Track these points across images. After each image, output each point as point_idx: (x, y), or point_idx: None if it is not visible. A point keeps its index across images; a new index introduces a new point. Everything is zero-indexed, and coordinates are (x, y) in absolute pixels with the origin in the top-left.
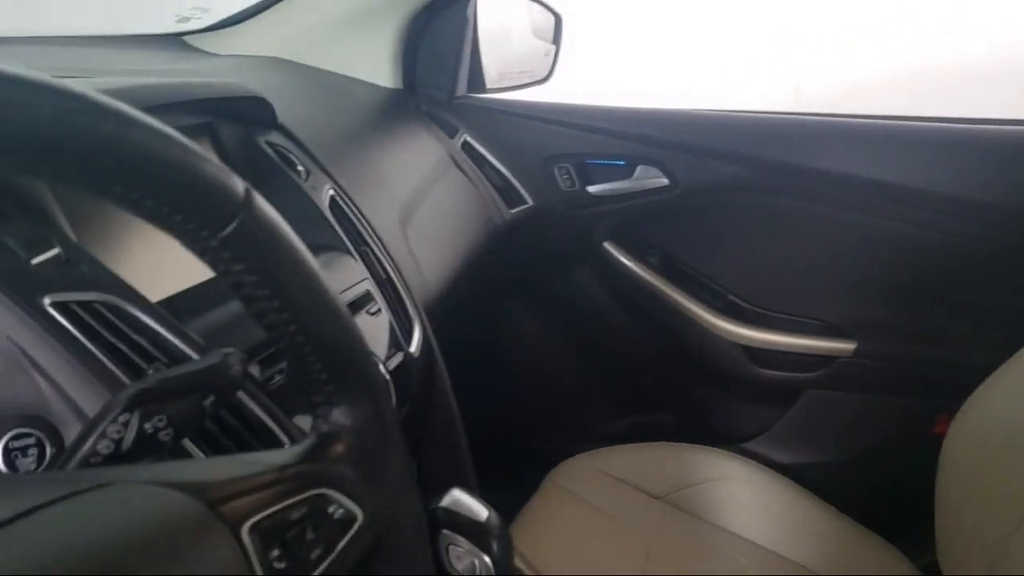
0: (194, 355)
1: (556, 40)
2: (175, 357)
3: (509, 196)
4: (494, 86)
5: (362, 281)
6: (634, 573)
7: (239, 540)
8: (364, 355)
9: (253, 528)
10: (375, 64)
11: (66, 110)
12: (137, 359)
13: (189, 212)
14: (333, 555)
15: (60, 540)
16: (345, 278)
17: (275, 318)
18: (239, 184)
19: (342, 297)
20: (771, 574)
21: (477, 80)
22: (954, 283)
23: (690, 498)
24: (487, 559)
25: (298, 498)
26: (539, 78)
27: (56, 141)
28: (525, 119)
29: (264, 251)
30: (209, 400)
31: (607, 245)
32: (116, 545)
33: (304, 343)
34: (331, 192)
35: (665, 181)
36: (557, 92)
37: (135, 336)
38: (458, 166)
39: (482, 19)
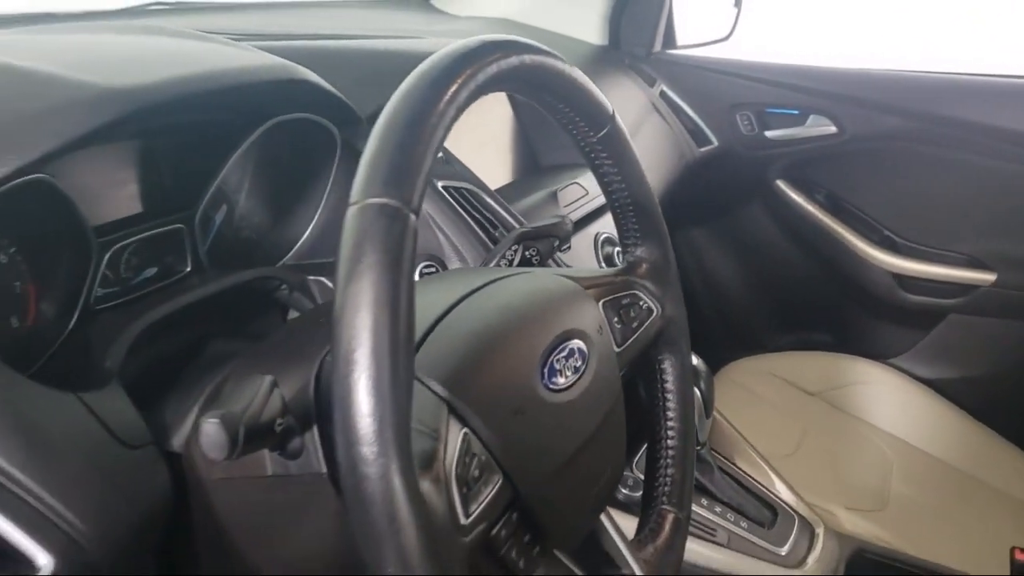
0: (517, 224)
1: (737, 4)
2: (507, 225)
3: (698, 137)
4: (684, 44)
5: None
6: (790, 451)
7: (598, 307)
8: (660, 217)
9: (604, 304)
10: (587, 24)
11: (519, 57)
12: (487, 224)
13: (582, 116)
14: (641, 329)
15: (513, 292)
16: None
17: (616, 187)
18: (608, 104)
19: None
20: (910, 461)
21: (670, 38)
22: None
23: (841, 397)
24: (697, 392)
25: (624, 292)
26: (722, 37)
27: (518, 73)
28: (712, 72)
29: (618, 147)
30: (556, 243)
31: (779, 183)
32: (538, 294)
33: (629, 204)
34: None
35: (833, 129)
36: (737, 49)
37: (485, 211)
38: (657, 111)
39: None
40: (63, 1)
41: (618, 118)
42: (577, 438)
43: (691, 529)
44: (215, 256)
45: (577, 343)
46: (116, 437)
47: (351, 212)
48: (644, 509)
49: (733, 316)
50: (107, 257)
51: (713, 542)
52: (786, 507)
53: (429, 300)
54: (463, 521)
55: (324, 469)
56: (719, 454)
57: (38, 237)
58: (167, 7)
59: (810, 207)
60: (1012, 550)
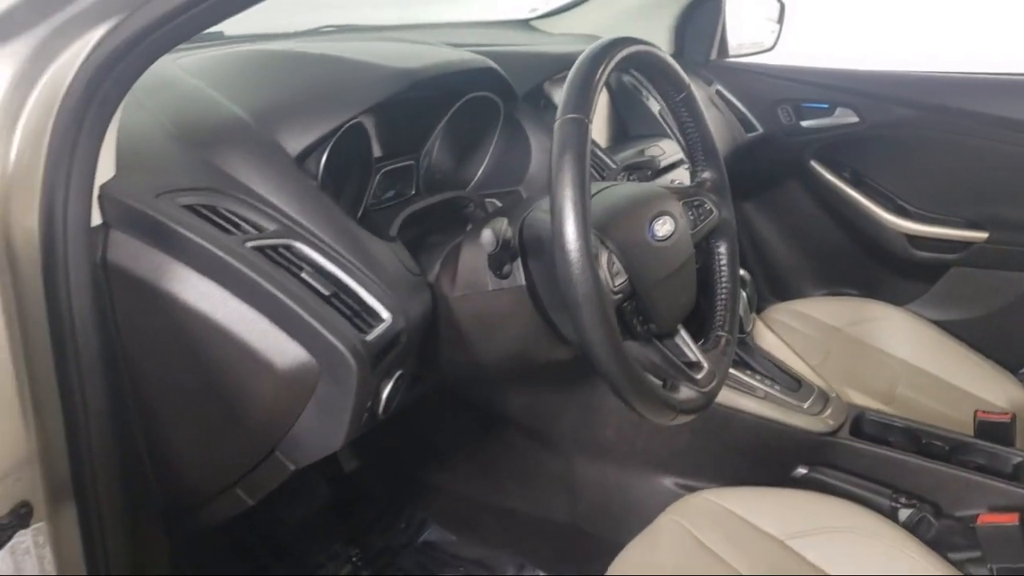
0: (614, 166)
1: (780, 20)
2: (609, 167)
3: (746, 125)
4: (735, 53)
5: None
6: (816, 363)
7: (679, 204)
8: (718, 153)
9: (683, 203)
10: (657, 37)
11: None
12: (598, 164)
13: (671, 84)
14: (704, 222)
15: (633, 186)
16: None
17: (691, 131)
18: (686, 77)
19: None
20: (914, 375)
21: (724, 48)
22: None
23: (860, 331)
24: (743, 295)
25: (695, 197)
26: (766, 48)
27: (638, 55)
28: (758, 74)
29: (692, 105)
30: (648, 173)
31: (812, 163)
32: (646, 188)
33: (699, 142)
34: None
35: (856, 119)
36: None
37: (594, 158)
38: (714, 104)
39: (728, 5)
40: (262, 23)
41: (693, 87)
42: (667, 269)
43: (736, 386)
44: (426, 183)
45: (668, 217)
46: (405, 266)
47: (558, 124)
48: (707, 333)
49: (773, 270)
50: (376, 178)
51: (753, 396)
52: (809, 381)
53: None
54: (614, 289)
55: (524, 283)
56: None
57: (346, 160)
58: (335, 29)
59: (837, 182)
60: (975, 412)
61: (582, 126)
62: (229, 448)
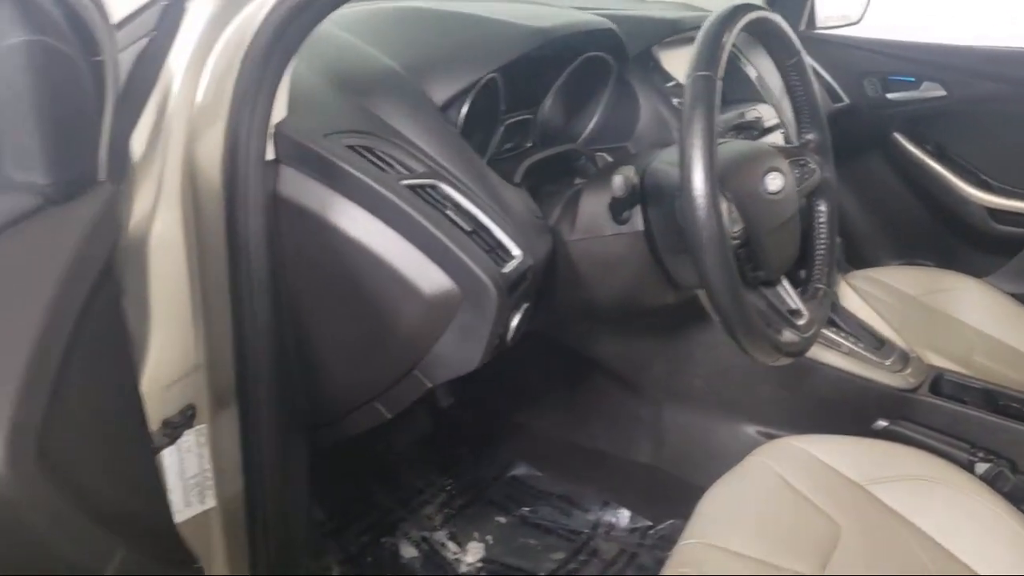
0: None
1: None
2: None
3: (833, 96)
4: (823, 25)
5: None
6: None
7: (786, 161)
8: (823, 116)
9: (788, 161)
10: None
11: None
12: None
13: (784, 49)
14: (807, 180)
15: (747, 143)
16: None
17: (799, 94)
18: (799, 43)
19: None
20: (991, 346)
21: (812, 20)
22: None
23: (937, 300)
24: None
25: (799, 157)
26: (853, 21)
27: (758, 20)
28: (846, 46)
29: (802, 70)
30: (755, 133)
31: (896, 135)
32: (758, 145)
33: (805, 105)
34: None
35: (943, 92)
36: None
37: None
38: None
39: None
40: None
41: (804, 53)
42: (777, 220)
43: (821, 341)
44: (542, 136)
45: (779, 173)
46: (530, 210)
47: (690, 80)
48: (805, 285)
49: (852, 238)
50: (501, 129)
51: (837, 351)
52: (891, 341)
53: None
54: (732, 235)
55: (641, 228)
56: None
57: (477, 112)
58: None
59: (921, 155)
60: None
61: (711, 82)
62: (373, 366)
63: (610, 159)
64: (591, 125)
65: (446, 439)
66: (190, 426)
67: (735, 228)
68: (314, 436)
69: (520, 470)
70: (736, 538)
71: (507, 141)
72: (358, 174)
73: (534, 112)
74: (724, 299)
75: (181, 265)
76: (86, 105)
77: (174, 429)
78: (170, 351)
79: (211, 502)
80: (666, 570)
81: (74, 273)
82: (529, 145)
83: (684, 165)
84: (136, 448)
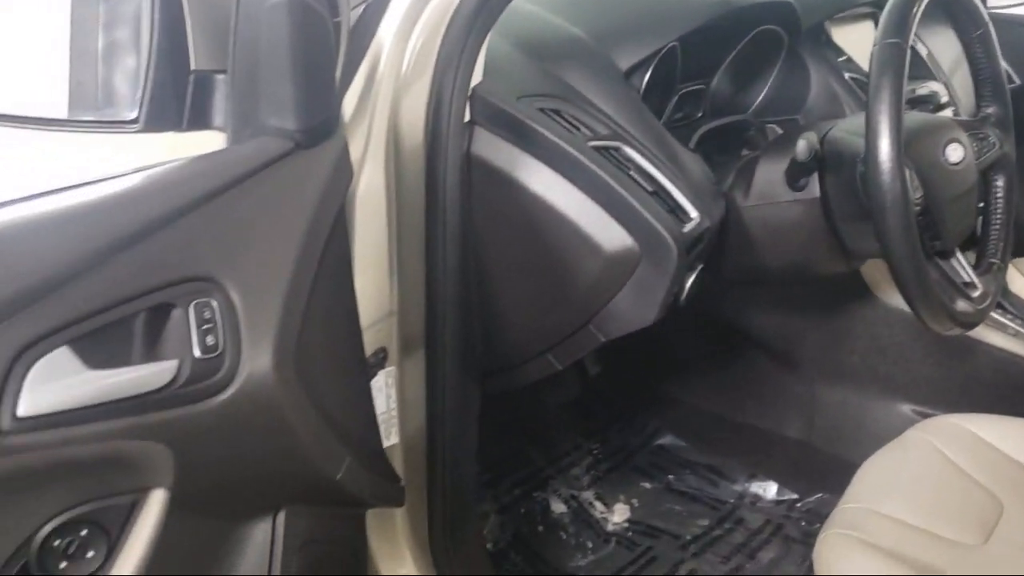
0: None
1: None
2: None
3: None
4: (994, 4)
5: None
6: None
7: (965, 135)
8: (1006, 91)
9: (967, 135)
10: None
11: None
12: None
13: (971, 19)
14: (986, 153)
15: (927, 115)
16: None
17: (983, 68)
18: (985, 15)
19: None
20: None
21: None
22: None
23: None
24: None
25: (979, 131)
26: None
27: None
28: (1020, 26)
29: (987, 42)
30: (931, 108)
31: None
32: (937, 117)
33: (989, 79)
34: None
35: None
36: None
37: None
38: None
39: None
40: None
41: (991, 25)
42: (957, 191)
43: (988, 323)
44: (713, 107)
45: (959, 144)
46: (706, 176)
47: (879, 47)
48: (978, 259)
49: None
50: (675, 99)
51: (1003, 332)
52: None
53: None
54: (914, 202)
55: (818, 195)
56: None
57: (655, 80)
58: None
59: None
60: None
61: (900, 50)
62: (550, 318)
63: (780, 131)
64: (761, 97)
65: (593, 406)
66: (382, 367)
67: (916, 195)
68: (487, 384)
69: (666, 439)
70: (896, 505)
71: (679, 111)
72: (548, 134)
73: (707, 83)
74: (904, 263)
75: (382, 217)
76: (330, 61)
77: (369, 369)
78: (368, 297)
79: (395, 439)
80: (825, 531)
81: (320, 210)
82: (700, 115)
83: (871, 129)
84: (357, 373)
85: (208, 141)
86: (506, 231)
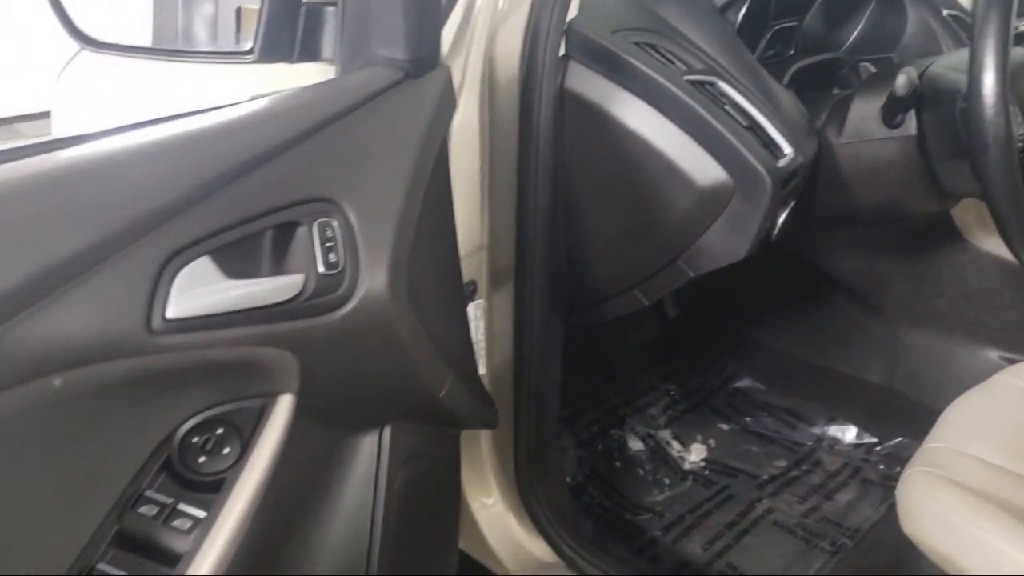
0: None
1: None
2: None
3: None
4: None
5: None
6: None
7: None
8: None
9: None
10: None
11: None
12: None
13: None
14: None
15: None
16: None
17: None
18: None
19: None
20: None
21: None
22: None
23: None
24: None
25: None
26: None
27: None
28: None
29: None
30: None
31: None
32: None
33: None
34: None
35: None
36: None
37: None
38: None
39: None
40: None
41: None
42: None
43: None
44: (805, 44)
45: None
46: (800, 111)
47: None
48: None
49: None
50: (768, 36)
51: None
52: None
53: None
54: (1017, 139)
55: (914, 132)
56: None
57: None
58: None
59: None
60: None
61: None
62: (638, 253)
63: (873, 70)
64: (855, 35)
65: (671, 349)
66: (472, 299)
67: (1020, 132)
68: (573, 319)
69: (744, 382)
70: (982, 446)
71: (771, 48)
72: (643, 68)
73: (800, 20)
74: (1004, 201)
75: (475, 150)
76: None
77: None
78: (460, 230)
79: (482, 370)
80: (908, 468)
81: (428, 138)
82: (791, 53)
83: (975, 63)
84: (457, 299)
85: (318, 72)
86: (598, 165)
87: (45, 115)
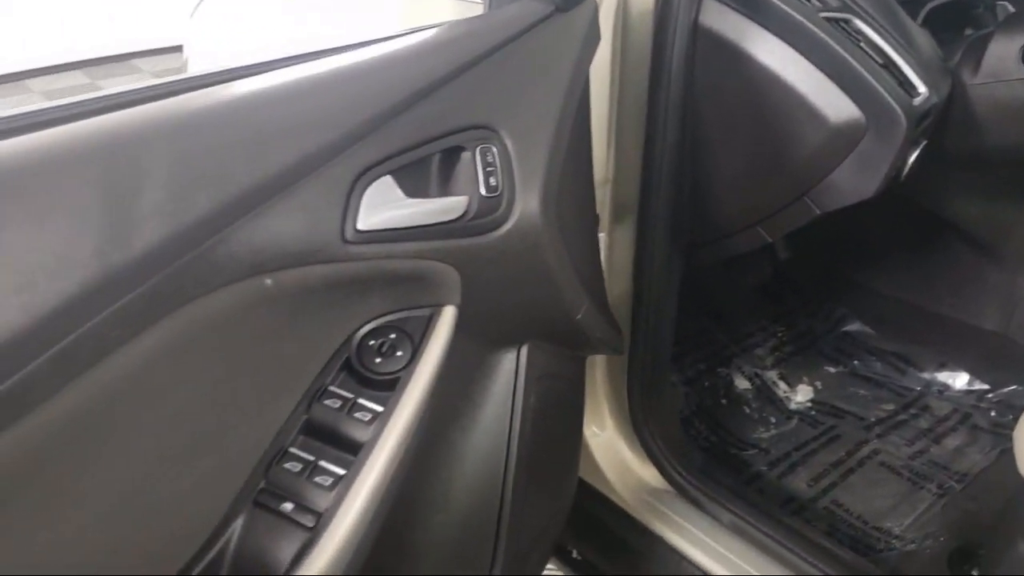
0: None
1: None
2: None
3: None
4: None
5: None
6: None
7: None
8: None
9: None
10: None
11: None
12: None
13: None
14: None
15: None
16: None
17: None
18: None
19: None
20: None
21: None
22: None
23: None
24: None
25: None
26: None
27: None
28: None
29: None
30: None
31: None
32: None
33: None
34: None
35: None
36: None
37: None
38: None
39: None
40: None
41: None
42: None
43: None
44: None
45: None
46: (935, 51)
47: None
48: None
49: None
50: None
51: None
52: None
53: None
54: None
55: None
56: None
57: None
58: None
59: None
60: None
61: None
62: (766, 190)
63: (1012, 9)
64: None
65: (781, 291)
66: None
67: None
68: (693, 255)
69: (853, 326)
70: None
71: None
72: (779, 4)
73: None
74: None
75: (606, 85)
76: None
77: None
78: None
79: None
80: None
81: (576, 70)
82: None
83: None
84: (592, 229)
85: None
86: (728, 102)
87: (159, 51)
